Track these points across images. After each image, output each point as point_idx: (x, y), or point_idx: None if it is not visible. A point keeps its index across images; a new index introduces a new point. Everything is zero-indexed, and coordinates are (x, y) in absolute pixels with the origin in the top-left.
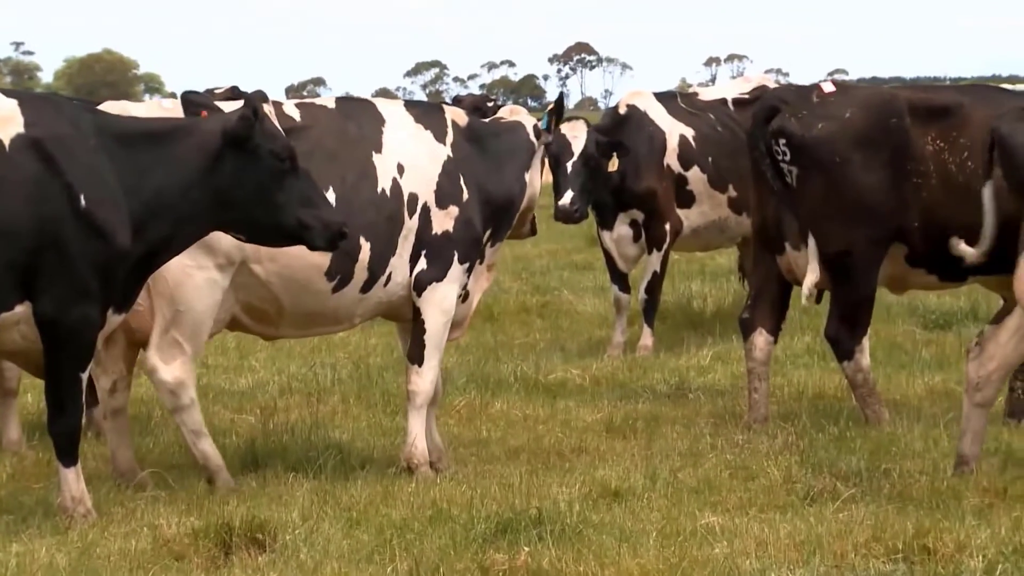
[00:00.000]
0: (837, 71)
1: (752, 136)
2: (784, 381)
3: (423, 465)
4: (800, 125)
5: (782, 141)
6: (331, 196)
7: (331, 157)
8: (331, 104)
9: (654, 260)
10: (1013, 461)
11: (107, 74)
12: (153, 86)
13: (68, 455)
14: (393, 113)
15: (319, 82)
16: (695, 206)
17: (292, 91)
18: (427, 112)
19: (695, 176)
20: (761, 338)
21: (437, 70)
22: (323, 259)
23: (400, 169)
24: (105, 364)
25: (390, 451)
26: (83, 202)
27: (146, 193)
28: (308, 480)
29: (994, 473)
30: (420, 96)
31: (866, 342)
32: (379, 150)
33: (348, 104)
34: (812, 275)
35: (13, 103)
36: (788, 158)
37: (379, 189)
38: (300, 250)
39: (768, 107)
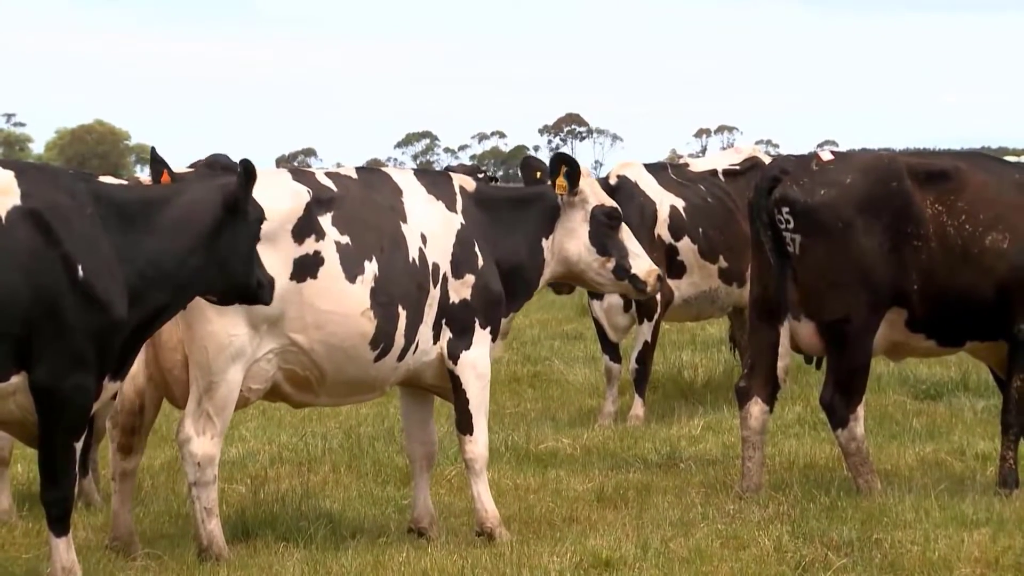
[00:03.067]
0: (827, 141)
1: (754, 206)
2: (775, 451)
3: (498, 527)
4: (802, 192)
5: (785, 209)
6: (373, 266)
7: (369, 227)
8: (353, 174)
9: (645, 330)
10: (1004, 531)
11: (98, 145)
12: (144, 157)
13: (60, 525)
14: (407, 182)
15: (310, 152)
16: (686, 276)
17: (283, 161)
18: (436, 181)
19: (686, 247)
20: (757, 407)
21: (428, 140)
22: (369, 327)
23: (423, 239)
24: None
25: (381, 520)
26: (81, 272)
27: (143, 262)
28: (299, 550)
29: (985, 542)
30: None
31: (861, 410)
32: (405, 220)
33: (366, 174)
34: (787, 359)
35: (10, 174)
36: (791, 226)
37: (411, 258)
38: (346, 319)
39: (770, 177)
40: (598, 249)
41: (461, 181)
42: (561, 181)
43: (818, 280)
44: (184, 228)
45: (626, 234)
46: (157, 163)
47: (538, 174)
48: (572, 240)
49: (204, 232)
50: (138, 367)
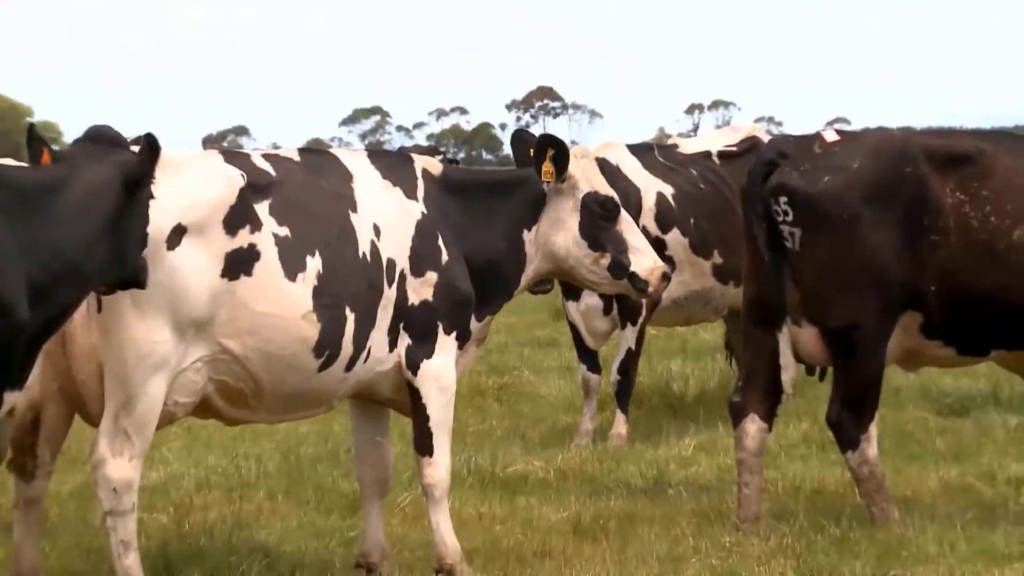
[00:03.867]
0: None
1: (748, 195)
2: (778, 475)
3: (459, 563)
4: (803, 179)
5: (783, 199)
6: (317, 262)
7: (313, 218)
8: (296, 156)
9: (628, 336)
10: None
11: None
12: (51, 135)
13: None
14: (359, 166)
15: (241, 131)
16: (675, 274)
17: (210, 141)
18: (393, 164)
19: (675, 240)
20: (753, 425)
21: (378, 118)
22: (311, 332)
23: (377, 231)
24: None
25: (324, 555)
26: None
27: (47, 254)
28: None
29: None
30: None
31: (873, 429)
32: (355, 209)
33: (311, 157)
34: (791, 369)
35: None
36: (790, 218)
37: (361, 253)
38: (285, 322)
39: (766, 161)
40: (590, 243)
41: (425, 164)
42: (547, 167)
43: (821, 280)
44: (87, 213)
45: (626, 226)
46: (37, 142)
47: (532, 151)
48: (560, 232)
49: (108, 216)
50: (32, 376)
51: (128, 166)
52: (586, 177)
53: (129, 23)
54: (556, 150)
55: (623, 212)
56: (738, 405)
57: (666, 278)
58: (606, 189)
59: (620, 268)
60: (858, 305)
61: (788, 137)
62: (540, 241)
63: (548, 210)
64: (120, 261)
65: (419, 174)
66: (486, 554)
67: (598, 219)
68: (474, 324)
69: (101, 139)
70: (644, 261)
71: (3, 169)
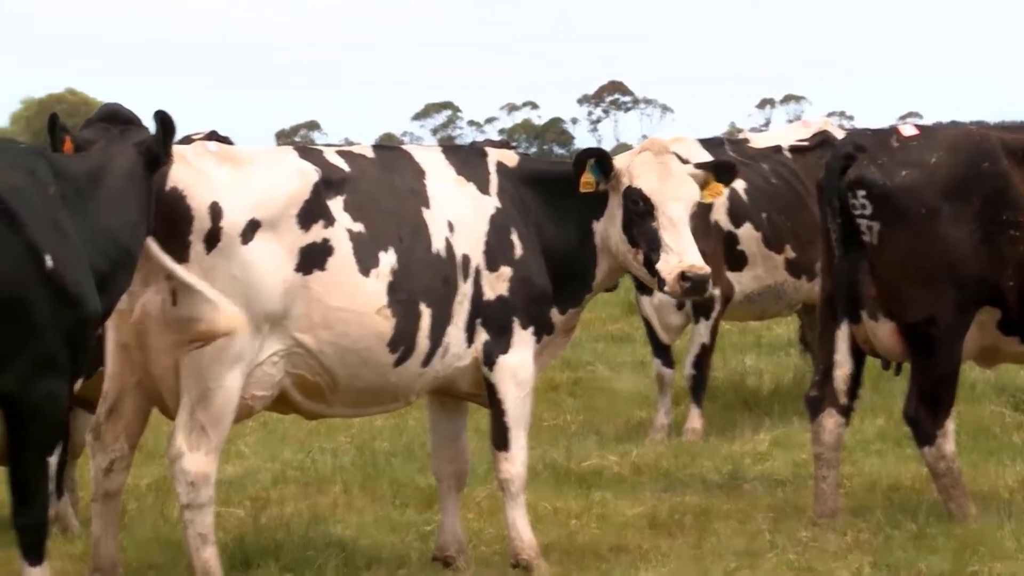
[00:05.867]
0: (910, 114)
1: (825, 189)
2: (854, 470)
3: (536, 558)
4: (881, 173)
5: (860, 192)
6: (391, 257)
7: (387, 214)
8: (370, 153)
9: (702, 330)
10: None
11: (70, 117)
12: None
13: (34, 552)
14: (432, 162)
15: (313, 126)
16: (748, 269)
17: (283, 136)
18: (467, 159)
19: (747, 234)
20: (831, 420)
21: (449, 112)
22: (385, 327)
23: (450, 227)
24: (105, 439)
25: (400, 549)
26: (49, 263)
27: (105, 240)
28: None
29: None
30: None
31: (950, 424)
32: (428, 205)
33: (385, 153)
34: (845, 366)
35: None
36: (868, 212)
37: (434, 249)
38: (358, 317)
39: (843, 155)
40: (628, 238)
41: (500, 157)
42: (586, 177)
43: (898, 275)
44: (127, 196)
45: (666, 221)
46: (61, 131)
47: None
48: (612, 226)
49: (143, 197)
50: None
51: (148, 146)
52: (629, 171)
53: (202, 19)
54: (595, 157)
55: (664, 208)
56: (815, 399)
57: (685, 279)
58: (647, 183)
59: (650, 265)
60: (935, 300)
61: (865, 131)
62: (603, 234)
63: (608, 204)
64: (139, 243)
65: (493, 168)
66: (562, 549)
67: (634, 214)
68: (557, 316)
69: (117, 118)
70: (669, 259)
71: (60, 158)
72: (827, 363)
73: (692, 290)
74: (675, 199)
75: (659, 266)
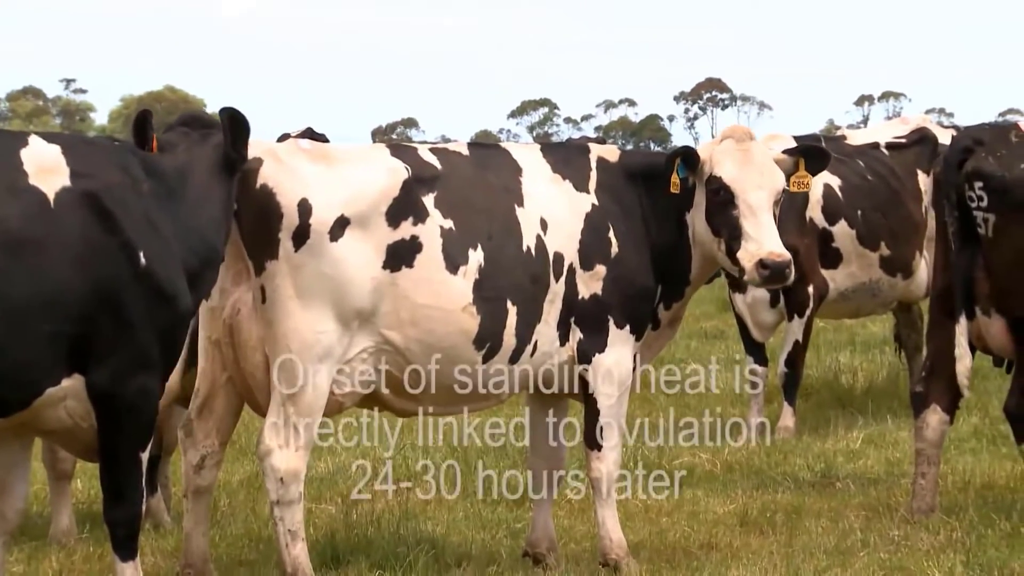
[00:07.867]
0: (1010, 111)
1: (943, 182)
2: (947, 468)
3: (625, 557)
4: (1000, 165)
5: (978, 184)
6: (479, 255)
7: (477, 211)
8: (465, 150)
9: (795, 328)
10: None
11: (169, 115)
12: None
13: (126, 548)
14: (529, 160)
15: (410, 123)
16: (842, 266)
17: (380, 134)
18: (567, 156)
19: (842, 232)
20: (935, 416)
21: (546, 110)
22: (471, 324)
23: (543, 225)
24: (196, 435)
25: (490, 546)
26: (143, 260)
27: (195, 239)
28: None
29: None
30: (526, 140)
31: None
32: (521, 203)
33: (480, 150)
34: (966, 359)
35: (56, 149)
36: (985, 204)
37: (524, 247)
38: (445, 314)
39: (962, 148)
40: (712, 227)
41: (602, 152)
42: (674, 178)
43: (1011, 268)
44: (212, 195)
45: (746, 209)
46: (149, 128)
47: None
48: (699, 216)
49: (225, 197)
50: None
51: (226, 148)
52: (713, 160)
53: (301, 19)
54: (681, 156)
55: (745, 196)
56: (920, 395)
57: (764, 266)
58: (727, 172)
59: (731, 254)
60: None
61: (983, 125)
62: (693, 226)
63: (695, 194)
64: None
65: (593, 165)
66: (652, 546)
67: (715, 203)
68: (662, 312)
69: (197, 123)
70: (749, 247)
71: (156, 159)
72: (935, 359)
73: (771, 278)
74: (756, 187)
75: (739, 254)
